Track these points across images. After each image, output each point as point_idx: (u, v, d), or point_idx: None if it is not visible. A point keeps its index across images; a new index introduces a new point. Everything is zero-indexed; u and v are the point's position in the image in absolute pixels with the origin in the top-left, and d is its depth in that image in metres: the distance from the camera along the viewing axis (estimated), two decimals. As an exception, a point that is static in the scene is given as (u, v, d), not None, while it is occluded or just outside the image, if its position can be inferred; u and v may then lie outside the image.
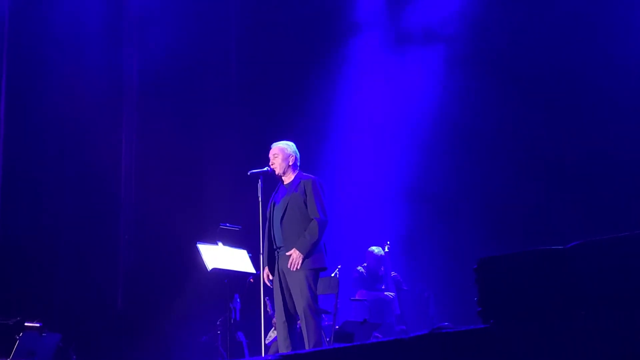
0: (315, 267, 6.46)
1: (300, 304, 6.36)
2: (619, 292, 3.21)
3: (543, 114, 10.12)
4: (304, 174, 6.75)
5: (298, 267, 6.37)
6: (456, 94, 10.74)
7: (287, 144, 6.84)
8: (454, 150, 10.62)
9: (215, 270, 6.96)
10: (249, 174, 6.86)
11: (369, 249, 9.87)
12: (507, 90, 10.32)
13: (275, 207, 6.66)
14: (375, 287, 9.79)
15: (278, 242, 6.57)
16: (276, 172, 6.74)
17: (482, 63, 10.52)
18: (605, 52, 9.72)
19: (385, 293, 9.73)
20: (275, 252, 6.58)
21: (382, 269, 9.88)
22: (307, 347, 6.31)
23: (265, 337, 7.17)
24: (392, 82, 11.22)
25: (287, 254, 6.43)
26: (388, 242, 9.87)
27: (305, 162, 6.94)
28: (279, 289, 6.51)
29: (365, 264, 9.87)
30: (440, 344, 3.64)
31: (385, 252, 9.79)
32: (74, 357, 7.99)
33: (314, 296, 6.40)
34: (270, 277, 6.59)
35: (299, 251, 6.37)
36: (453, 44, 10.80)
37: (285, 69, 11.28)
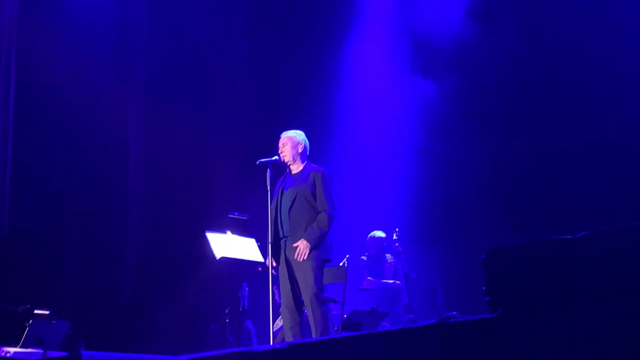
0: (322, 258, 6.51)
1: (307, 293, 6.39)
2: (629, 282, 3.21)
3: (555, 102, 10.03)
4: (314, 165, 6.75)
5: (305, 258, 6.38)
6: (467, 79, 10.69)
7: (297, 133, 6.85)
8: (464, 139, 10.56)
9: (223, 259, 6.97)
10: (257, 163, 6.88)
11: (369, 234, 9.89)
12: (520, 77, 10.25)
13: (283, 195, 6.66)
14: (382, 273, 9.79)
15: (285, 231, 6.58)
16: (285, 160, 6.74)
17: (496, 49, 10.42)
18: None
19: (392, 281, 9.73)
20: (282, 241, 6.59)
21: (390, 256, 9.87)
22: (314, 336, 6.33)
23: (273, 325, 7.19)
24: (398, 69, 11.18)
25: (295, 245, 6.44)
26: (397, 229, 9.85)
27: (313, 151, 6.94)
28: (286, 277, 6.53)
29: (367, 254, 9.88)
30: (448, 334, 3.64)
31: (394, 239, 9.78)
32: (83, 344, 8.01)
33: (320, 285, 6.43)
34: (274, 264, 6.60)
35: (307, 242, 6.39)
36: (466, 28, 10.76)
37: (295, 58, 11.26)
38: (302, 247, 6.39)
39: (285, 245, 6.57)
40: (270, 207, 6.73)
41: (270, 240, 6.64)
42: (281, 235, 6.60)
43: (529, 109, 10.27)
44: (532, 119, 10.23)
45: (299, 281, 6.46)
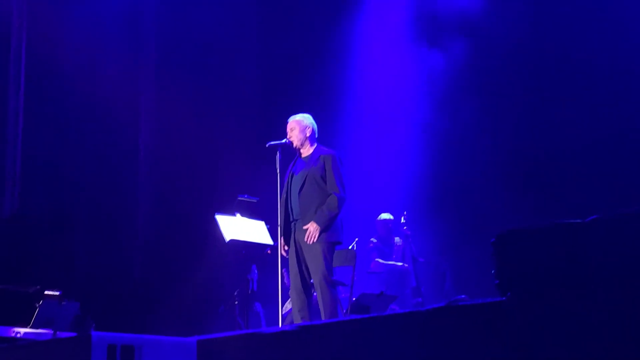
0: (332, 240, 6.50)
1: (316, 275, 6.40)
2: (639, 266, 3.20)
3: (569, 75, 9.84)
4: (324, 147, 6.75)
5: (315, 240, 6.39)
6: (476, 49, 10.61)
7: (304, 116, 6.84)
8: (474, 119, 10.45)
9: (233, 241, 6.99)
10: (267, 145, 6.88)
11: (377, 217, 9.91)
12: (530, 49, 10.12)
13: (293, 179, 6.67)
14: (390, 255, 9.80)
15: (295, 214, 6.59)
16: (294, 145, 6.74)
17: (505, 18, 10.28)
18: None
19: (401, 264, 9.73)
20: (292, 224, 6.60)
21: (399, 239, 9.87)
22: (322, 319, 6.35)
23: (282, 307, 7.21)
24: (405, 43, 11.12)
25: (305, 227, 6.45)
26: (405, 213, 9.86)
27: (322, 134, 6.93)
28: (295, 260, 6.54)
29: (375, 236, 9.89)
30: (457, 317, 3.64)
31: (402, 223, 9.79)
32: (93, 325, 8.05)
33: (329, 268, 6.43)
34: (286, 248, 6.62)
35: (317, 224, 6.39)
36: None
37: (304, 42, 11.24)
38: (311, 230, 6.40)
39: (295, 228, 6.58)
40: (281, 191, 6.74)
41: (281, 224, 6.65)
42: (291, 218, 6.61)
43: (541, 82, 10.08)
44: (544, 93, 10.01)
45: (308, 264, 6.47)
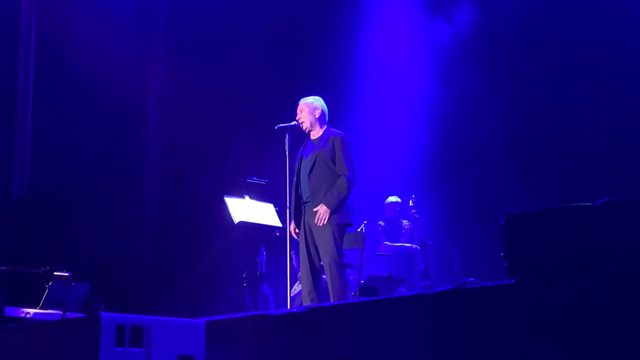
0: (342, 222, 6.49)
1: (326, 257, 6.40)
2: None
3: (579, 48, 9.70)
4: (333, 129, 6.73)
5: (325, 222, 6.39)
6: (484, 42, 10.55)
7: (314, 98, 6.82)
8: (484, 101, 10.39)
9: (242, 223, 6.99)
10: (276, 127, 6.87)
11: (385, 200, 9.92)
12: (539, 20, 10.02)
13: (303, 162, 6.66)
14: (398, 238, 9.81)
15: (305, 196, 6.59)
16: (303, 127, 6.72)
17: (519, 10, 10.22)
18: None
19: (410, 245, 9.74)
20: (302, 206, 6.60)
21: (407, 222, 9.87)
22: (331, 301, 6.36)
23: (290, 290, 7.22)
24: (416, 31, 11.08)
25: (315, 209, 6.45)
26: (413, 196, 9.85)
27: (331, 115, 6.91)
28: (305, 242, 6.54)
29: (383, 219, 9.89)
30: (466, 300, 3.64)
31: (410, 206, 9.79)
32: (102, 306, 8.09)
33: (339, 250, 6.43)
34: (297, 231, 6.62)
35: (327, 206, 6.39)
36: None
37: (314, 22, 11.21)
38: (321, 212, 6.39)
39: (305, 211, 6.58)
40: (291, 174, 6.74)
41: (292, 207, 6.64)
42: (302, 201, 6.61)
43: (550, 57, 9.96)
44: (552, 69, 9.87)
45: (318, 246, 6.47)
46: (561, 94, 9.83)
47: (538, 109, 10.01)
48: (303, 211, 6.59)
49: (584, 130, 9.52)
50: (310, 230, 6.51)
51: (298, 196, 6.63)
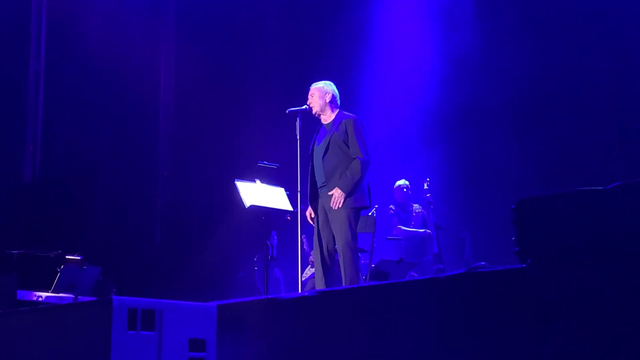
0: (357, 205, 6.49)
1: (340, 241, 6.40)
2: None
3: (591, 37, 9.58)
4: (345, 113, 6.72)
5: (340, 206, 6.39)
6: (492, 25, 10.46)
7: (325, 83, 6.81)
8: (500, 84, 10.28)
9: (253, 207, 7.00)
10: (287, 112, 6.86)
11: (394, 185, 9.89)
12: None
13: (316, 147, 6.67)
14: (409, 222, 9.79)
15: (320, 181, 6.59)
16: (314, 111, 6.71)
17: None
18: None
19: (423, 230, 9.72)
20: (318, 191, 6.60)
21: (418, 206, 9.85)
22: (343, 283, 6.36)
23: (301, 274, 7.23)
24: (429, 12, 11.01)
25: (329, 193, 6.45)
26: (428, 179, 9.81)
27: (343, 100, 6.90)
28: (319, 226, 6.54)
29: (394, 203, 9.88)
30: (477, 284, 3.63)
31: (425, 189, 9.75)
32: (114, 289, 8.12)
33: (354, 234, 6.43)
34: (313, 216, 6.62)
35: (341, 190, 6.38)
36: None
37: (325, 6, 11.16)
38: (336, 196, 6.39)
39: (321, 195, 6.58)
40: (301, 158, 6.74)
41: (307, 191, 6.64)
42: (317, 186, 6.61)
43: (563, 48, 9.89)
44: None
45: (333, 229, 6.47)
46: (574, 80, 9.74)
47: (552, 95, 9.92)
48: (319, 196, 6.60)
49: (598, 112, 9.43)
50: (326, 214, 6.51)
51: (313, 181, 6.63)
